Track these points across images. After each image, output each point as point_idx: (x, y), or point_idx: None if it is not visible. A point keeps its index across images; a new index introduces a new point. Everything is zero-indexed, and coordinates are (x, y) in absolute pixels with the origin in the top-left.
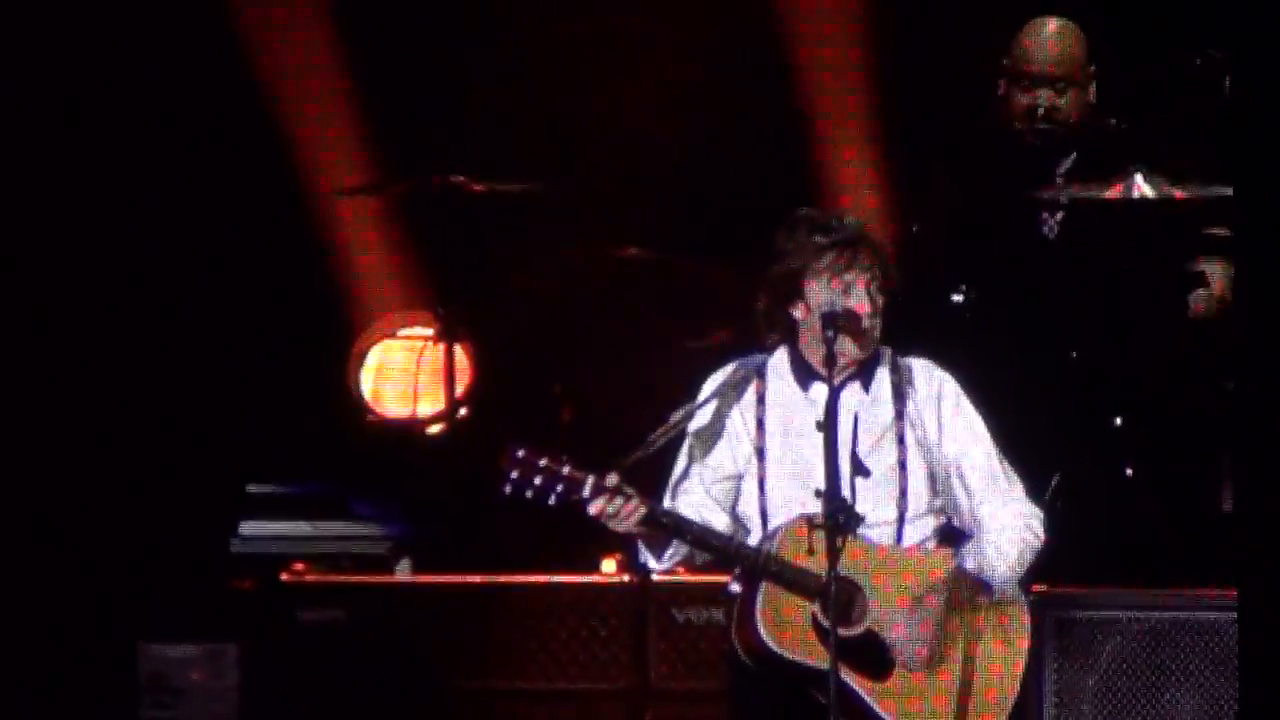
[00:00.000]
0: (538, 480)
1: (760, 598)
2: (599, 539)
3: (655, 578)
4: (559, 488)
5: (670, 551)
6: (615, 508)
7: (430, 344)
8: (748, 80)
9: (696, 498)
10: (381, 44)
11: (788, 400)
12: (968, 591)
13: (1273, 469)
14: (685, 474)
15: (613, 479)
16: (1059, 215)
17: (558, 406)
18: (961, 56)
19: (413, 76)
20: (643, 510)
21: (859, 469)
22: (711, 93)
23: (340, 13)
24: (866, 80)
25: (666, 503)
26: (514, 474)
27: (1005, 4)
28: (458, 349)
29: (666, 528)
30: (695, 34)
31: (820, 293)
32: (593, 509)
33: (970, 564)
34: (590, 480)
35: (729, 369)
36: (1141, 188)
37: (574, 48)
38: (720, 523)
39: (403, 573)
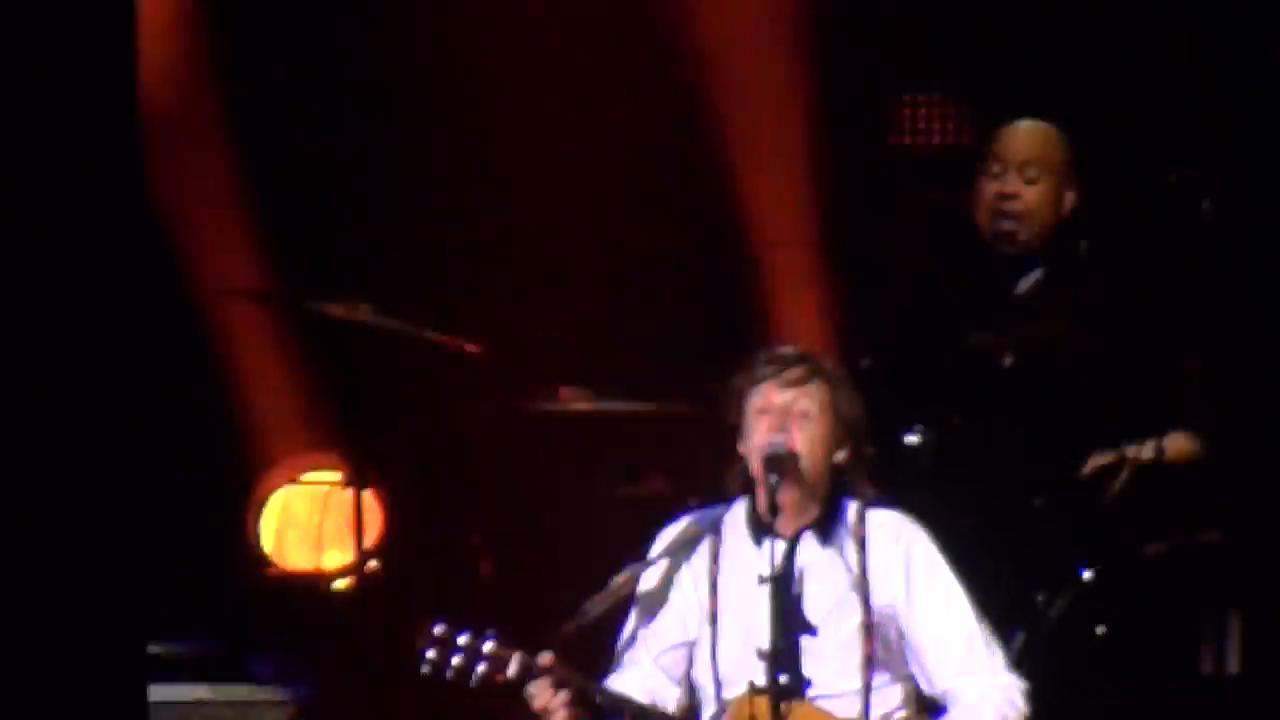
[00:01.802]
0: (457, 660)
1: None
2: (525, 703)
3: None
4: (482, 667)
5: None
6: (543, 693)
7: (337, 489)
8: (686, 213)
9: (644, 669)
10: (291, 174)
11: (742, 557)
12: None
13: None
14: (632, 641)
15: (545, 658)
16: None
17: (477, 559)
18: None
19: (324, 204)
20: (575, 691)
21: (804, 627)
22: (646, 228)
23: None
24: (813, 211)
25: (612, 672)
26: (431, 654)
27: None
28: (367, 495)
29: (602, 708)
30: (627, 161)
31: (765, 418)
32: (525, 694)
33: None
34: (517, 658)
35: (683, 524)
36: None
37: (502, 176)
38: (670, 696)
39: None
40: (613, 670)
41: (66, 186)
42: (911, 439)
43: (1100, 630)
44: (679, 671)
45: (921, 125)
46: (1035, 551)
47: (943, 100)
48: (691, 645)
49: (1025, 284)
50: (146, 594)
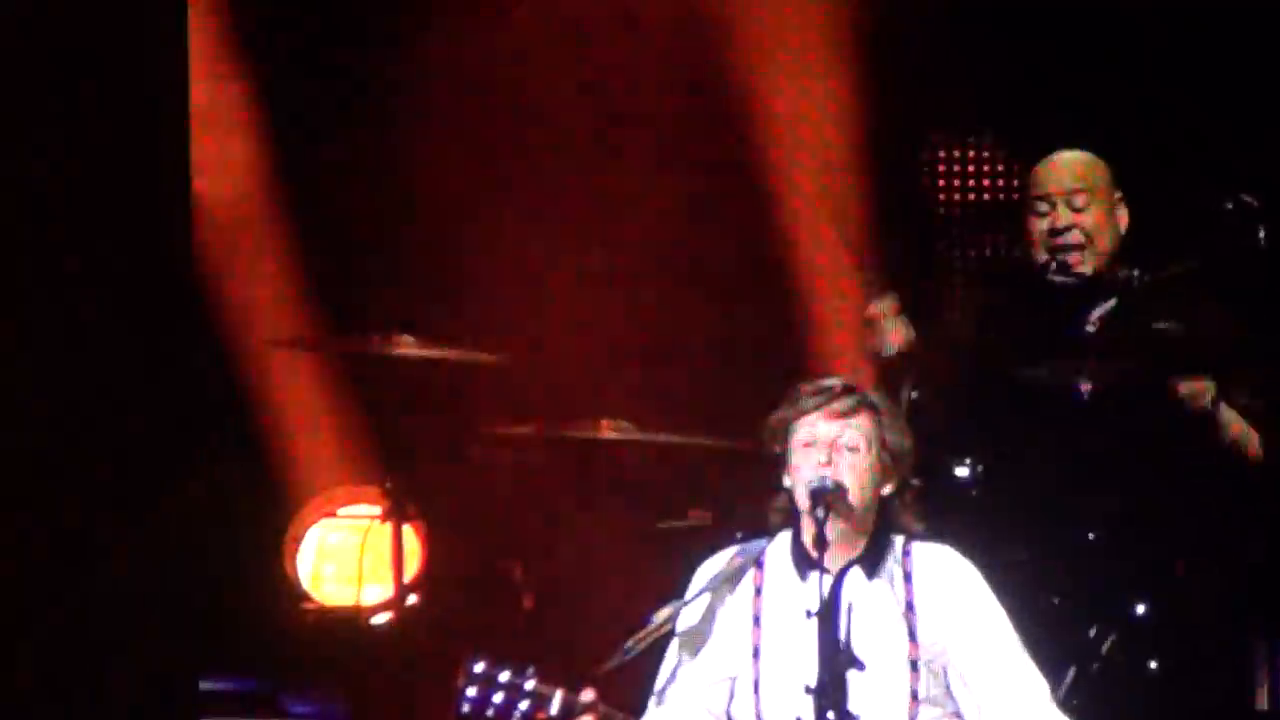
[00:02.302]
0: (498, 698)
1: None
2: None
3: None
4: (523, 705)
5: None
6: None
7: (376, 523)
8: (732, 246)
9: (685, 705)
10: (332, 205)
11: (786, 591)
12: None
13: None
14: (673, 677)
15: (587, 695)
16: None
17: (519, 593)
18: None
19: (363, 237)
20: None
21: (851, 662)
22: (693, 261)
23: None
24: (862, 241)
25: (651, 708)
26: (471, 692)
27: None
28: (407, 528)
29: None
30: (672, 197)
31: (810, 451)
32: None
33: None
34: (559, 696)
35: (725, 557)
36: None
37: (548, 209)
38: None
39: None
40: (653, 706)
41: (115, 214)
42: (961, 472)
43: (1153, 666)
44: (719, 708)
45: (971, 180)
46: (1087, 586)
47: (992, 149)
48: (733, 681)
49: (1098, 313)
50: (197, 631)
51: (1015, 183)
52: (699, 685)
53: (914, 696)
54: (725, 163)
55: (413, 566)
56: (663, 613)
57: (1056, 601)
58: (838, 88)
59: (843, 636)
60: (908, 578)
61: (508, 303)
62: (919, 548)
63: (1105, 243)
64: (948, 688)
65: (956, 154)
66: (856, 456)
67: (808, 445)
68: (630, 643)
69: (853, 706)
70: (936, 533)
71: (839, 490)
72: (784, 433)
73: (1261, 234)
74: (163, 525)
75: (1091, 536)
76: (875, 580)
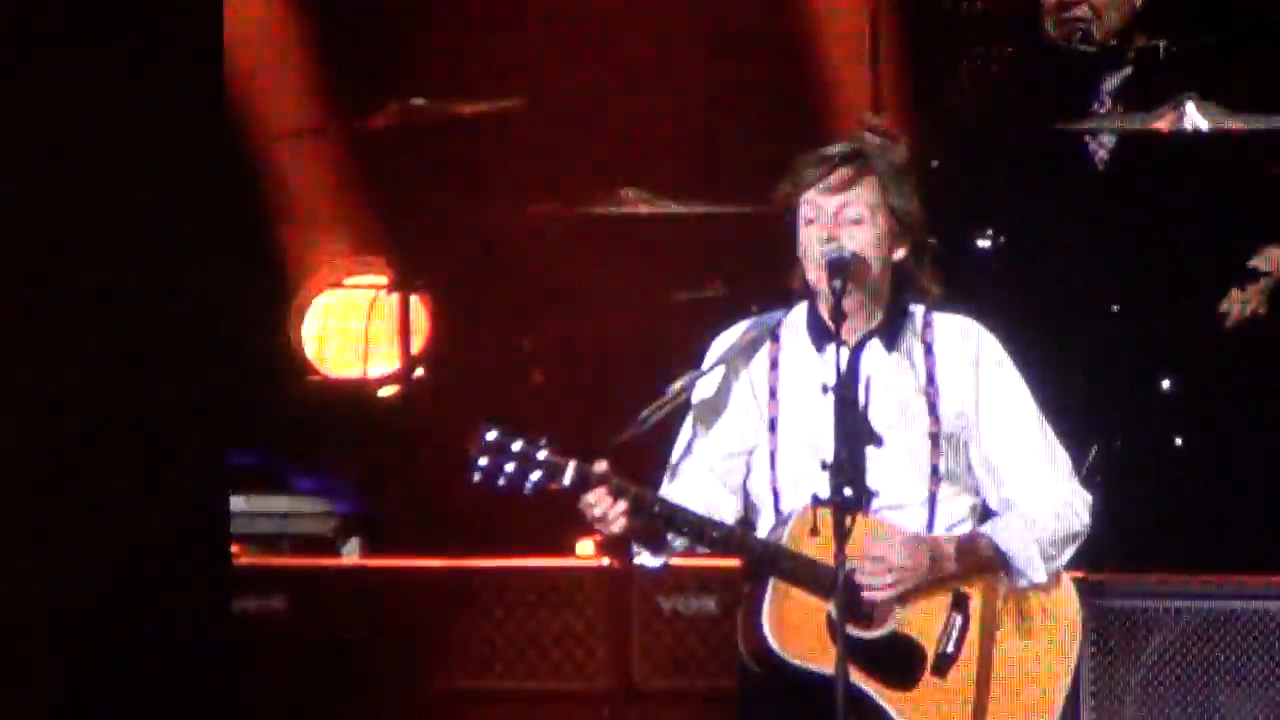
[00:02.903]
0: (510, 467)
1: (768, 596)
2: (577, 516)
3: None
4: (536, 475)
5: (668, 547)
6: (601, 502)
7: (383, 294)
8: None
9: (700, 478)
10: None
11: (802, 363)
12: (989, 576)
13: None
14: (688, 450)
15: (601, 466)
16: (1109, 144)
17: (528, 366)
18: None
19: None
20: (632, 500)
21: (870, 437)
22: (710, 29)
23: None
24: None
25: (666, 482)
26: (483, 461)
27: None
28: (414, 300)
29: (659, 518)
30: None
31: (814, 227)
32: (580, 504)
33: (995, 542)
34: (573, 466)
35: (740, 329)
36: (1193, 118)
37: None
38: (728, 506)
39: (350, 555)
40: (667, 480)
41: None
42: (982, 243)
43: (1178, 442)
44: (735, 481)
45: None
46: (1111, 361)
47: None
48: (749, 454)
49: (1114, 82)
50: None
51: None
52: (714, 459)
53: (934, 473)
54: None
55: (419, 339)
56: (678, 384)
57: (1079, 377)
58: None
59: (860, 411)
60: (928, 350)
61: (522, 54)
62: (940, 318)
63: (1113, 19)
64: (968, 464)
65: None
66: (861, 228)
67: (811, 221)
68: (645, 414)
69: (871, 482)
70: (957, 307)
71: (856, 260)
72: (789, 205)
73: None
74: (169, 302)
75: (1115, 309)
76: (894, 353)
